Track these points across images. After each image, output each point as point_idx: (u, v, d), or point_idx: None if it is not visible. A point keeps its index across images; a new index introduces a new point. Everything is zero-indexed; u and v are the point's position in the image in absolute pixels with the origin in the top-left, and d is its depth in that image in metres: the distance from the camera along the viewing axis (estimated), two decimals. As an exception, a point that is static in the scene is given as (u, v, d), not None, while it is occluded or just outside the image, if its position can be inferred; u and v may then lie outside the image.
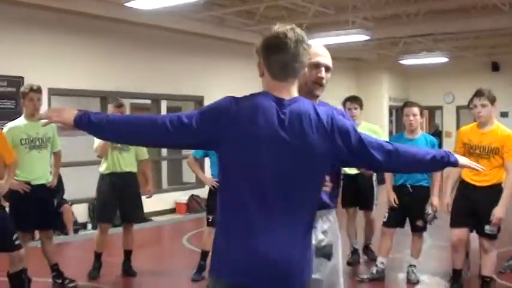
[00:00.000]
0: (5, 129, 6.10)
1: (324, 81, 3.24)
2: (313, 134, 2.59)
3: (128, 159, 6.93)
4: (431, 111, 21.16)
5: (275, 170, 2.57)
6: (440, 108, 20.50)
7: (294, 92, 2.68)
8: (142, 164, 7.21)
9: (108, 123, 2.67)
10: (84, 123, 2.65)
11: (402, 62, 17.91)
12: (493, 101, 5.69)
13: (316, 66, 3.20)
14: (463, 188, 5.87)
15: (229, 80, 13.27)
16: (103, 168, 6.99)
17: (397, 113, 20.12)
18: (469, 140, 5.76)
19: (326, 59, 3.27)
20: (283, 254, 2.56)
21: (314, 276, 2.97)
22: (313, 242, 3.06)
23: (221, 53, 13.76)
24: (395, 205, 6.50)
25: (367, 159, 2.72)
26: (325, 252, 3.28)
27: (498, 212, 5.54)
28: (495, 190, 5.62)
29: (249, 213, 2.56)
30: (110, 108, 7.08)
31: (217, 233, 2.68)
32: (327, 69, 3.27)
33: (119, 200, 7.04)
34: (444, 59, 17.20)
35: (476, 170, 3.03)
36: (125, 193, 7.01)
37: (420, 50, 16.75)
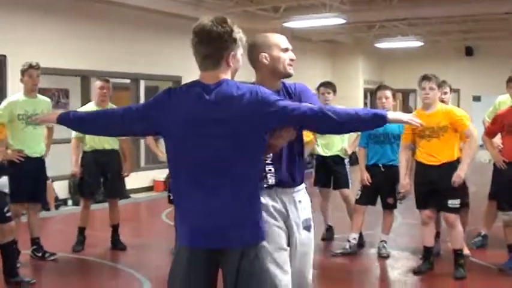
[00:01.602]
0: (4, 103, 6.38)
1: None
2: (238, 110, 2.86)
3: (108, 137, 7.04)
4: (405, 95, 21.50)
5: (204, 146, 2.89)
6: (414, 91, 20.80)
7: (221, 76, 2.95)
8: (122, 143, 7.41)
9: (79, 120, 3.30)
10: (64, 121, 3.28)
11: (378, 45, 18.16)
12: (439, 85, 6.14)
13: (286, 50, 3.62)
14: (420, 169, 6.18)
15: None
16: (86, 146, 7.19)
17: (372, 96, 20.44)
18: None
19: (289, 43, 3.68)
20: (217, 221, 2.91)
21: (301, 248, 3.63)
22: (301, 215, 3.64)
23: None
24: (368, 183, 6.81)
25: (293, 124, 2.98)
26: (307, 225, 3.70)
27: (457, 173, 5.89)
28: (450, 167, 5.95)
29: (184, 187, 2.98)
30: (97, 83, 7.27)
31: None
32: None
33: (102, 176, 7.27)
34: (419, 43, 17.51)
35: (415, 124, 3.06)
36: (107, 169, 7.25)
37: (395, 34, 17.05)
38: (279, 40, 3.64)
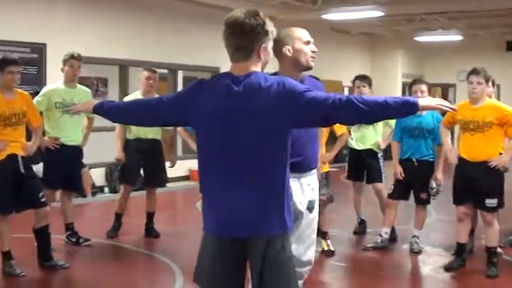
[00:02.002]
0: (43, 91, 6.52)
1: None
2: (266, 101, 2.89)
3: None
4: (445, 89, 21.27)
5: (232, 136, 2.94)
6: (453, 86, 20.62)
7: (251, 68, 2.98)
8: (165, 133, 7.50)
9: (113, 109, 3.41)
10: (99, 110, 3.41)
11: (417, 39, 18.01)
12: (487, 80, 5.98)
13: (308, 43, 3.94)
14: (460, 165, 6.12)
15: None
16: (129, 134, 7.28)
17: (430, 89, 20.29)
18: (463, 116, 6.02)
19: (310, 37, 3.99)
20: (244, 211, 2.96)
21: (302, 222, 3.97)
22: (307, 197, 4.00)
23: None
24: (401, 178, 6.78)
25: (322, 114, 2.93)
26: (311, 206, 4.04)
27: (501, 157, 5.87)
28: (491, 165, 5.89)
29: (212, 178, 3.03)
30: (144, 73, 7.32)
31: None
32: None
33: (143, 164, 7.37)
34: (459, 37, 17.32)
35: (447, 109, 2.99)
36: (148, 158, 7.31)
37: (435, 28, 16.89)
38: (302, 33, 3.94)
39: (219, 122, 2.96)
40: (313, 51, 3.95)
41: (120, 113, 3.44)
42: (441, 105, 2.96)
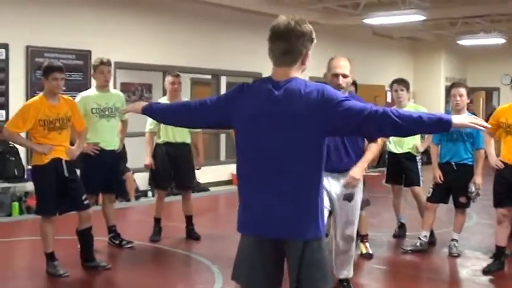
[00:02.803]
0: (78, 98, 6.61)
1: (343, 85, 4.84)
2: (304, 107, 2.98)
3: (180, 131, 7.24)
4: (489, 93, 21.04)
5: (270, 140, 3.03)
6: (497, 89, 20.38)
7: (292, 74, 3.08)
8: (194, 137, 7.56)
9: (161, 111, 3.62)
10: (148, 111, 3.59)
11: (460, 42, 17.85)
12: None
13: (335, 75, 4.82)
14: (502, 168, 6.13)
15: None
16: (158, 139, 7.41)
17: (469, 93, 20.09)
18: (506, 119, 6.02)
19: (342, 69, 4.86)
20: (279, 212, 3.06)
21: (338, 208, 5.09)
22: (342, 191, 5.03)
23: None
24: (440, 181, 6.78)
25: (357, 124, 2.99)
26: (348, 198, 5.05)
27: None
28: None
29: (249, 179, 3.15)
30: (168, 78, 7.45)
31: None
32: (344, 76, 4.85)
33: (173, 168, 7.44)
34: (502, 40, 17.09)
35: (478, 128, 3.04)
36: (178, 162, 7.41)
37: (478, 31, 16.72)
38: (333, 66, 4.89)
39: (258, 125, 3.07)
40: (338, 84, 4.77)
41: (166, 114, 3.61)
42: (474, 123, 3.02)
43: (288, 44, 3.05)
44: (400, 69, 18.03)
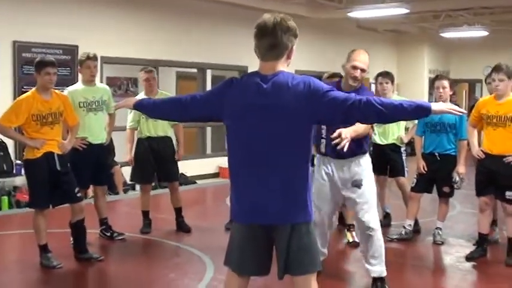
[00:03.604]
0: (65, 92, 6.64)
1: (359, 77, 5.05)
2: (292, 99, 3.14)
3: (161, 124, 7.36)
4: (471, 85, 21.28)
5: (258, 131, 3.19)
6: (480, 81, 20.57)
7: (279, 68, 3.24)
8: (175, 129, 7.64)
9: (152, 106, 3.77)
10: (139, 107, 3.77)
11: (443, 34, 18.03)
12: (510, 75, 6.09)
13: (354, 67, 5.01)
14: (482, 158, 6.29)
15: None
16: (140, 134, 7.51)
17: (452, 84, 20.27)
18: (487, 111, 6.20)
19: (362, 63, 5.04)
20: (268, 200, 3.22)
21: (347, 194, 5.23)
22: (348, 177, 5.18)
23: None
24: (424, 171, 6.94)
25: (342, 113, 3.17)
26: (356, 184, 5.17)
27: None
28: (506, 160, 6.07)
29: (240, 170, 3.30)
30: (141, 74, 7.56)
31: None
32: (363, 70, 5.05)
33: (156, 162, 7.53)
34: (484, 33, 17.29)
35: (456, 113, 3.31)
36: (161, 155, 7.50)
37: (461, 24, 16.90)
38: (353, 58, 5.06)
39: (248, 117, 3.21)
40: (354, 76, 5.03)
41: (157, 109, 3.77)
42: (452, 109, 3.30)
43: (274, 39, 3.20)
44: (384, 61, 18.17)
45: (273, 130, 3.18)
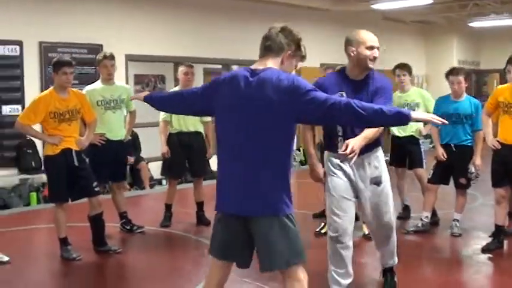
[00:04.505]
0: (83, 91, 6.85)
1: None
2: (274, 93, 3.25)
3: (192, 120, 7.47)
4: (503, 75, 20.98)
5: (241, 123, 3.30)
6: (511, 71, 20.33)
7: (269, 65, 3.38)
8: (205, 126, 7.74)
9: (159, 99, 3.99)
10: (148, 100, 3.93)
11: (471, 24, 17.86)
12: None
13: (371, 48, 4.47)
14: (498, 148, 6.28)
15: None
16: (171, 129, 7.62)
17: (468, 77, 20.02)
18: (505, 99, 6.18)
19: (376, 42, 4.53)
20: (247, 191, 3.32)
21: (367, 194, 4.64)
22: (368, 174, 4.62)
23: (289, 19, 14.17)
24: (443, 158, 6.92)
25: (322, 113, 3.26)
26: (376, 181, 4.67)
27: None
28: None
29: (223, 161, 3.42)
30: (181, 68, 7.67)
31: None
32: (378, 48, 4.53)
33: (186, 157, 7.67)
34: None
35: (436, 123, 3.41)
36: (191, 150, 7.62)
37: (489, 13, 16.72)
38: (366, 38, 4.51)
39: (232, 110, 3.34)
40: (374, 57, 4.48)
41: (163, 102, 4.00)
42: (432, 118, 3.41)
43: (271, 39, 3.42)
44: (412, 53, 18.12)
45: (254, 123, 3.28)
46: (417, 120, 3.43)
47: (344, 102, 3.24)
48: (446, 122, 3.60)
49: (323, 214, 7.70)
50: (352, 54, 4.49)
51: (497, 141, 6.30)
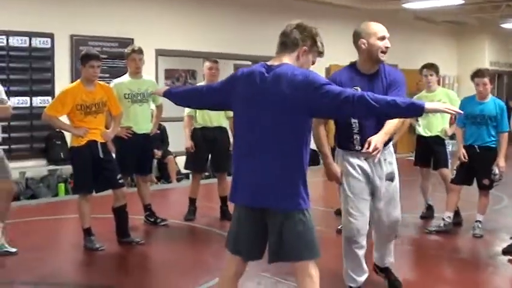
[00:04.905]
0: (111, 84, 6.98)
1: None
2: (289, 88, 3.30)
3: (216, 115, 7.52)
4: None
5: (257, 118, 3.36)
6: (544, 72, 20.14)
7: (285, 60, 3.44)
8: (230, 121, 7.72)
9: (177, 94, 4.10)
10: (167, 95, 4.05)
11: (503, 25, 17.69)
12: None
13: (383, 38, 4.38)
14: None
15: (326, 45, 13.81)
16: (195, 123, 7.69)
17: (500, 78, 19.90)
18: None
19: (387, 33, 4.43)
20: (262, 184, 3.38)
21: (383, 191, 4.61)
22: (384, 170, 4.59)
23: (318, 17, 14.23)
24: (464, 160, 6.91)
25: (336, 106, 3.30)
26: (391, 177, 4.65)
27: None
28: None
29: (239, 154, 3.49)
30: (206, 63, 7.73)
31: None
32: (389, 39, 4.43)
33: (210, 152, 7.75)
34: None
35: (450, 112, 3.45)
36: (215, 145, 7.69)
37: (522, 14, 16.57)
38: (377, 29, 4.41)
39: (249, 105, 3.41)
40: (387, 47, 4.39)
41: (182, 97, 4.11)
42: (447, 108, 3.42)
43: (286, 36, 3.47)
44: (443, 53, 17.99)
45: (270, 117, 3.34)
46: (431, 111, 3.42)
47: (358, 95, 3.28)
48: (461, 112, 3.67)
49: None
50: (363, 46, 4.40)
51: None
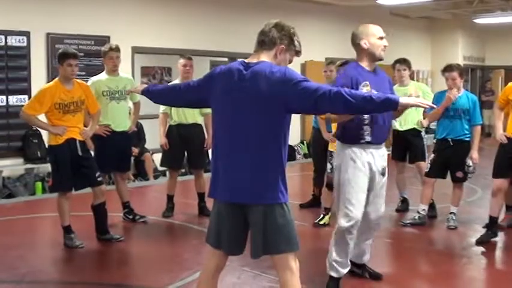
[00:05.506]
0: (89, 82, 7.00)
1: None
2: (267, 85, 3.37)
3: (191, 112, 7.54)
4: (508, 71, 21.04)
5: (236, 115, 3.43)
6: (517, 67, 20.39)
7: (262, 58, 3.51)
8: (205, 118, 7.77)
9: (155, 92, 4.10)
10: (145, 93, 4.09)
11: (477, 21, 17.90)
12: None
13: (381, 38, 4.76)
14: (506, 142, 6.42)
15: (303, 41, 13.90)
16: (171, 120, 7.72)
17: (473, 73, 20.13)
18: None
19: (383, 33, 4.80)
20: (241, 179, 3.44)
21: (377, 188, 4.89)
22: (381, 164, 4.85)
23: (295, 14, 14.31)
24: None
25: (313, 102, 3.36)
26: (384, 172, 4.91)
27: None
28: None
29: (218, 149, 3.55)
30: (180, 61, 7.74)
31: None
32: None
33: (185, 148, 7.77)
34: (518, 18, 17.11)
35: (423, 106, 3.59)
36: (190, 142, 7.70)
37: (494, 9, 16.75)
38: (376, 30, 4.77)
39: (228, 101, 3.47)
40: (385, 46, 4.76)
41: (160, 95, 4.11)
42: (420, 103, 3.63)
43: (264, 34, 3.54)
44: (417, 48, 18.19)
45: (249, 114, 3.41)
46: (406, 106, 3.57)
47: (334, 91, 3.36)
48: (434, 106, 3.87)
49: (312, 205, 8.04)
50: (365, 46, 4.73)
51: (505, 135, 6.42)
